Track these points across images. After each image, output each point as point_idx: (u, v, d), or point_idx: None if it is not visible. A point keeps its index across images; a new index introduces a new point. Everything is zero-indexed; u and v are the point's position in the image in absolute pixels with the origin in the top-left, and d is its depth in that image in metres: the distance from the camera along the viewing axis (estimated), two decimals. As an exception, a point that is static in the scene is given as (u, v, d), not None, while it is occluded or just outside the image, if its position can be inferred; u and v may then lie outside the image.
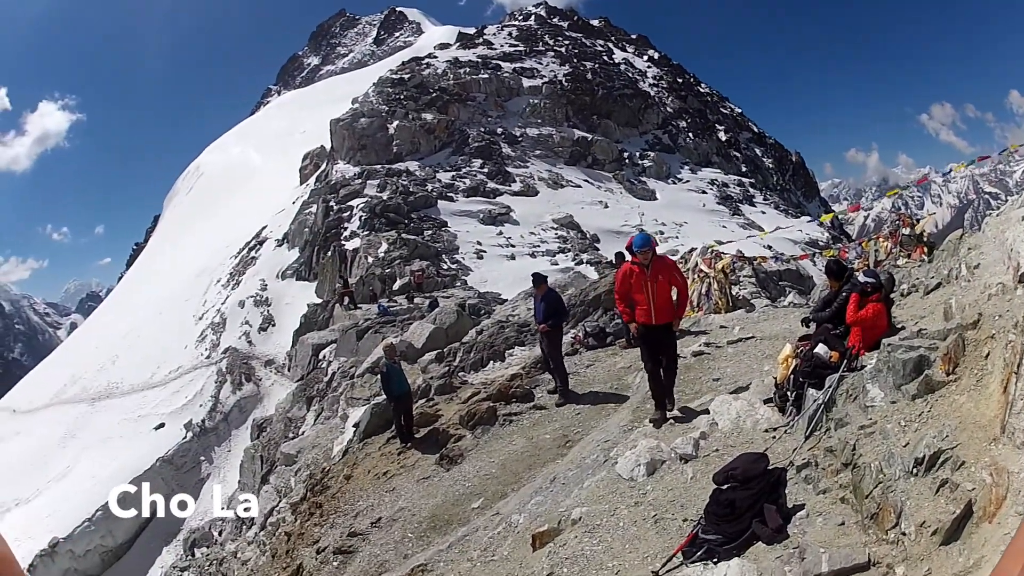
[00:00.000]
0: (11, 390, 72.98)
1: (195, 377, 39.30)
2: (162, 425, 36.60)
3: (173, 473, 33.40)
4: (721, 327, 13.00)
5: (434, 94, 60.71)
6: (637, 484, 6.39)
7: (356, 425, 15.76)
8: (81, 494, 33.75)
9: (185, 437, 34.59)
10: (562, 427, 10.56)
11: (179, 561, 27.48)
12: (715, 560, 4.87)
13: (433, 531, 8.98)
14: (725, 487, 5.22)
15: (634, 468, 6.57)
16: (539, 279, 12.67)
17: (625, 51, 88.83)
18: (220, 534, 25.47)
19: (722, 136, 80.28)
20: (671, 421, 7.80)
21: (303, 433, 22.89)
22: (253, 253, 46.49)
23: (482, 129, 59.65)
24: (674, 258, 16.70)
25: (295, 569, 11.16)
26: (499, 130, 60.97)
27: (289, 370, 33.63)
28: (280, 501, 18.52)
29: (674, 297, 8.12)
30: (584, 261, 38.91)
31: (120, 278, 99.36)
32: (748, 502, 5.01)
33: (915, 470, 4.25)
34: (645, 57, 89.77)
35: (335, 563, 9.99)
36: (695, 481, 6.02)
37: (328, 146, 55.14)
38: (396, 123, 52.73)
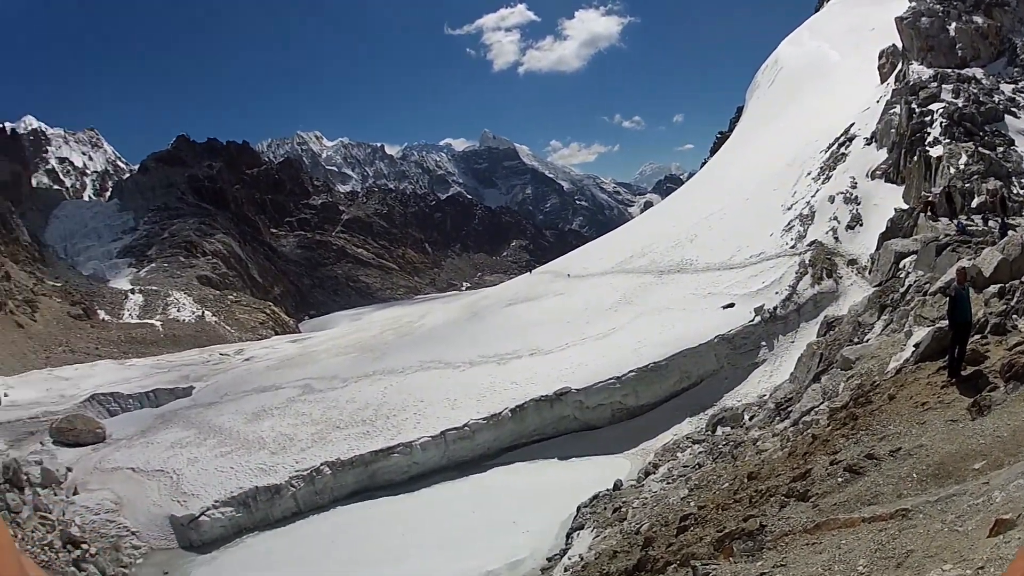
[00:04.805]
0: (563, 256, 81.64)
1: (776, 265, 39.48)
2: (731, 305, 37.39)
3: (728, 352, 34.22)
4: None
5: (976, -5, 51.46)
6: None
7: (916, 345, 15.03)
8: (618, 353, 35.96)
9: (752, 320, 34.89)
10: (1083, 405, 8.85)
11: (695, 434, 28.51)
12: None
13: (934, 479, 8.31)
14: None
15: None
16: None
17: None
18: (751, 419, 25.88)
19: None
20: None
21: (867, 341, 22.01)
22: (843, 149, 44.65)
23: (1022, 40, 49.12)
24: None
25: (803, 473, 11.21)
26: (1033, 42, 49.35)
27: (870, 273, 31.94)
28: (822, 403, 18.65)
29: None
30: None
31: (703, 164, 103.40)
32: None
33: None
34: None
35: (839, 479, 9.82)
36: None
37: (899, 45, 50.48)
38: (954, 24, 46.26)
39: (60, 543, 27.48)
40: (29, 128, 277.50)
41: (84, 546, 27.95)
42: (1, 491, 29.57)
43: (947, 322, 12.42)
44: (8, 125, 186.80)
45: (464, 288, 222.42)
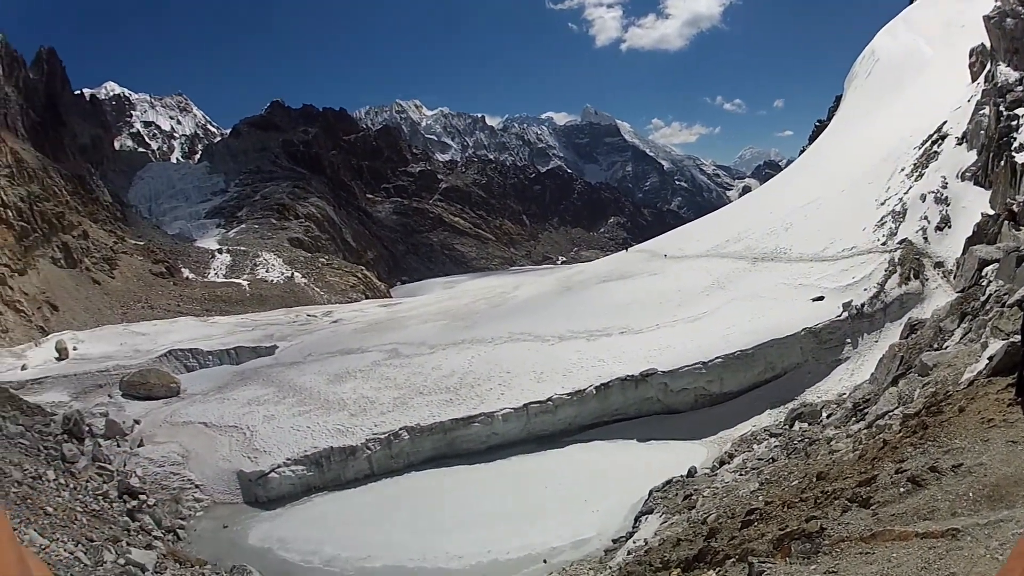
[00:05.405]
0: (660, 235, 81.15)
1: (866, 261, 38.78)
2: (821, 298, 36.99)
3: (813, 346, 33.83)
4: None
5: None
6: None
7: (990, 358, 14.75)
8: (706, 338, 35.99)
9: (839, 315, 34.45)
10: None
11: (774, 427, 28.44)
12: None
13: (987, 500, 8.33)
14: None
15: None
16: None
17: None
18: (828, 417, 25.60)
19: None
20: None
21: (946, 348, 21.51)
22: (936, 147, 43.32)
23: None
24: None
25: (869, 478, 11.21)
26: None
27: (954, 278, 30.72)
28: (897, 408, 18.48)
29: None
30: None
31: (801, 151, 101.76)
32: None
33: None
34: None
35: (901, 489, 9.83)
36: None
37: (987, 44, 48.62)
38: (1034, 29, 44.11)
39: (116, 493, 28.20)
40: (111, 94, 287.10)
41: (142, 497, 28.73)
42: (58, 441, 30.45)
43: (1020, 337, 12.27)
44: (88, 91, 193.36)
45: (560, 262, 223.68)
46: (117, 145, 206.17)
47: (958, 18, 64.03)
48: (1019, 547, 1.54)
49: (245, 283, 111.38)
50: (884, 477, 10.85)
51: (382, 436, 32.89)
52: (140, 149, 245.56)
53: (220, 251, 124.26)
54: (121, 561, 20.37)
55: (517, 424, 33.78)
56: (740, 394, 33.89)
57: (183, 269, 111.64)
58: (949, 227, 35.88)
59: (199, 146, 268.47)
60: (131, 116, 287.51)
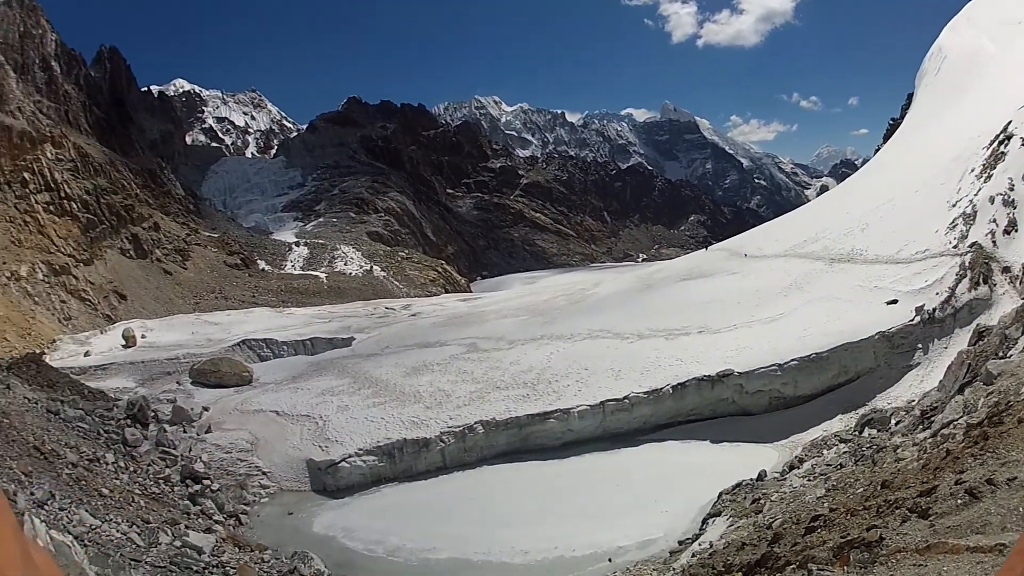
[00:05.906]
0: (740, 234, 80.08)
1: (938, 264, 37.61)
2: (895, 301, 36.09)
3: (886, 350, 33.17)
4: None
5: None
6: None
7: None
8: (783, 340, 35.38)
9: (912, 320, 33.56)
10: None
11: (844, 432, 28.02)
12: None
13: None
14: None
15: None
16: None
17: None
18: (896, 424, 25.35)
19: None
20: None
21: (1010, 356, 21.32)
22: (1002, 148, 42.00)
23: None
24: None
25: (928, 489, 11.37)
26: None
27: (1020, 283, 30.48)
28: (961, 417, 18.35)
29: None
30: None
31: (876, 150, 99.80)
32: None
33: None
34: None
35: (959, 501, 9.98)
36: None
37: None
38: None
39: (179, 477, 28.12)
40: (181, 90, 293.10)
41: (206, 482, 28.54)
42: (120, 426, 30.78)
43: None
44: (156, 88, 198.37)
45: (640, 259, 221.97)
46: (189, 140, 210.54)
47: (1014, 15, 62.49)
48: (1019, 544, 1.59)
49: (323, 276, 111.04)
50: (944, 488, 10.96)
51: (457, 429, 32.85)
52: (213, 144, 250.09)
53: (297, 244, 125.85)
54: (177, 543, 20.36)
55: (593, 421, 33.53)
56: (813, 397, 33.32)
57: (259, 261, 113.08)
58: (1016, 230, 34.84)
59: (274, 141, 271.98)
60: (203, 112, 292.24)
